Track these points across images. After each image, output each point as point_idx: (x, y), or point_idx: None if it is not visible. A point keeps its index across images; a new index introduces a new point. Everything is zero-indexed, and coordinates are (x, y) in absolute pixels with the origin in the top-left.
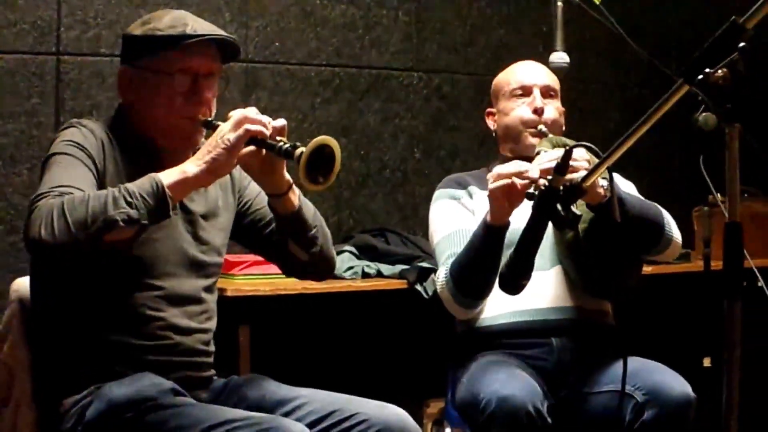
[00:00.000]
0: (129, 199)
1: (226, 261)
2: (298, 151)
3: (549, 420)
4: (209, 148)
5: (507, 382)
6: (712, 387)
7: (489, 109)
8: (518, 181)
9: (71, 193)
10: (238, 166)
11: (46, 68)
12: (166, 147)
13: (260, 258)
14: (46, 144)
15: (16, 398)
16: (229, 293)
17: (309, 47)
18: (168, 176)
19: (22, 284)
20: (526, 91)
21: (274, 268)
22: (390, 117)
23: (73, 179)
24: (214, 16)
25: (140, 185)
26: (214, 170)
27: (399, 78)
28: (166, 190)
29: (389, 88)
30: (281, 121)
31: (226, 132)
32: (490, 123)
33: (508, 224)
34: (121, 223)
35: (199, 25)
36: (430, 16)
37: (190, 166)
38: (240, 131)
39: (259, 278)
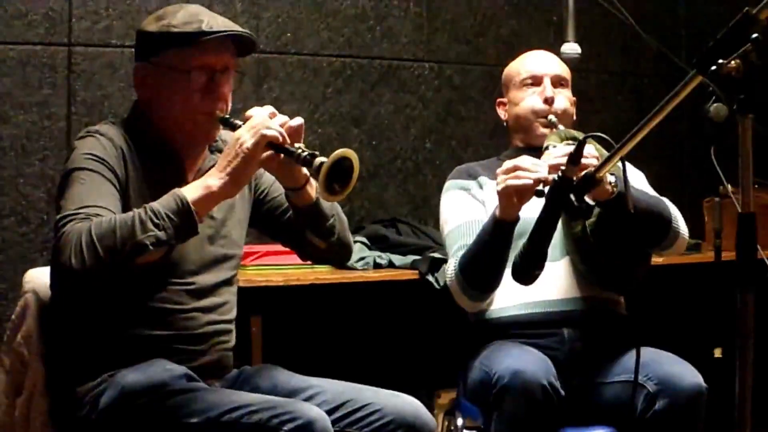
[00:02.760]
0: (156, 220)
1: None
2: (317, 161)
3: (563, 393)
4: (228, 158)
5: (520, 357)
6: (722, 377)
7: (500, 99)
8: (528, 177)
9: (97, 214)
10: None
11: (57, 59)
12: (183, 144)
13: (272, 248)
14: (58, 135)
15: (29, 387)
16: (241, 284)
17: (320, 38)
18: (192, 192)
19: (35, 275)
20: (536, 81)
21: (285, 259)
22: (401, 107)
23: (98, 198)
24: (226, 8)
25: (166, 204)
26: (236, 180)
27: (410, 68)
28: (192, 206)
29: (400, 78)
30: (298, 120)
31: (244, 140)
32: (501, 113)
33: (517, 219)
34: (151, 247)
35: (214, 21)
36: (441, 7)
37: (213, 180)
38: (257, 137)
39: (271, 269)
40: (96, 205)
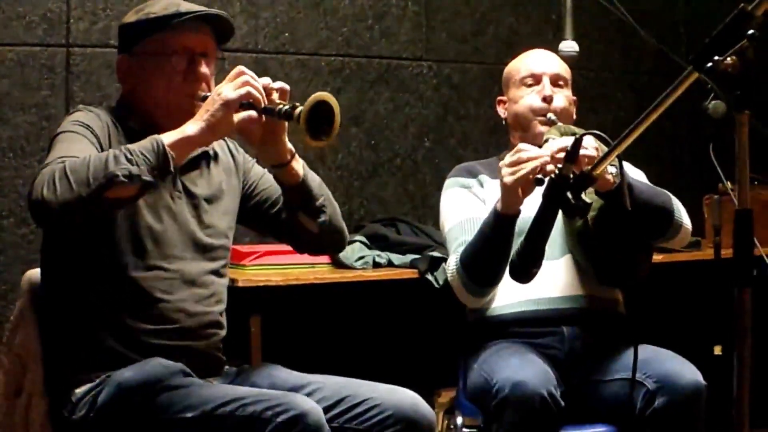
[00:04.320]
0: (129, 156)
1: (238, 251)
2: (297, 111)
3: (562, 404)
4: (207, 107)
5: (520, 367)
6: (722, 375)
7: (500, 97)
8: (528, 166)
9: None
10: (241, 151)
11: (56, 60)
12: (168, 130)
13: (272, 248)
14: None
15: (28, 389)
16: (240, 283)
17: (319, 37)
18: (168, 136)
19: (33, 276)
20: (536, 80)
21: (285, 258)
22: (400, 106)
23: (78, 151)
24: (224, 7)
25: (141, 144)
26: (212, 128)
27: (409, 67)
28: (167, 148)
29: (399, 77)
30: (280, 83)
31: (224, 90)
32: (501, 111)
33: (518, 213)
34: (122, 178)
35: (191, 6)
36: (440, 6)
37: (190, 126)
38: (241, 91)
39: (271, 268)
40: (76, 155)
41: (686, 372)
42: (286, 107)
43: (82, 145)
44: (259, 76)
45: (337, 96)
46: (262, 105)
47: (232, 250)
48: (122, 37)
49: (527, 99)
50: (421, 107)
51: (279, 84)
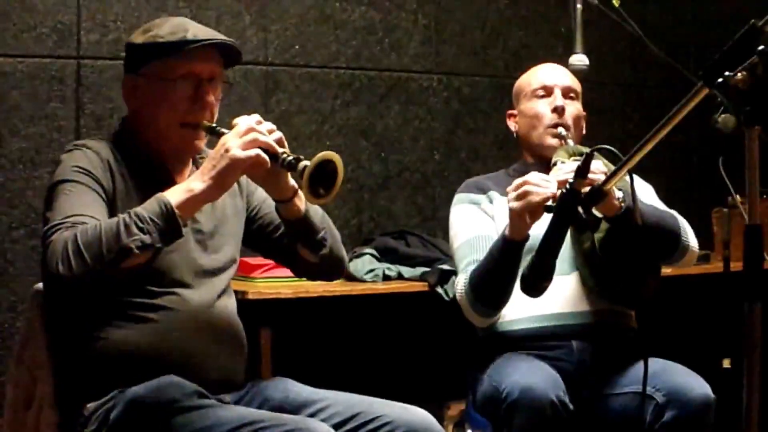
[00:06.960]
0: (140, 224)
1: (248, 264)
2: (301, 165)
3: (572, 407)
4: (213, 162)
5: (529, 372)
6: (732, 388)
7: (510, 111)
8: (537, 194)
9: (84, 223)
10: None
11: (66, 72)
12: (170, 157)
13: None
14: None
15: (38, 400)
16: (250, 296)
17: (329, 50)
18: (175, 195)
19: (42, 287)
20: (547, 92)
21: None
22: (410, 119)
23: (84, 207)
24: (234, 20)
25: (149, 209)
26: (220, 185)
27: (418, 80)
28: (175, 210)
29: (409, 90)
30: (278, 134)
31: (230, 146)
32: (511, 124)
33: (527, 238)
34: (136, 251)
35: (199, 31)
36: (450, 19)
37: (196, 183)
38: (250, 153)
39: (280, 281)
40: (82, 214)
41: (695, 385)
42: (290, 158)
43: (87, 197)
44: (270, 89)
45: (347, 109)
46: (268, 152)
47: (242, 263)
48: (128, 57)
49: (539, 110)
50: (430, 120)
51: (277, 135)
